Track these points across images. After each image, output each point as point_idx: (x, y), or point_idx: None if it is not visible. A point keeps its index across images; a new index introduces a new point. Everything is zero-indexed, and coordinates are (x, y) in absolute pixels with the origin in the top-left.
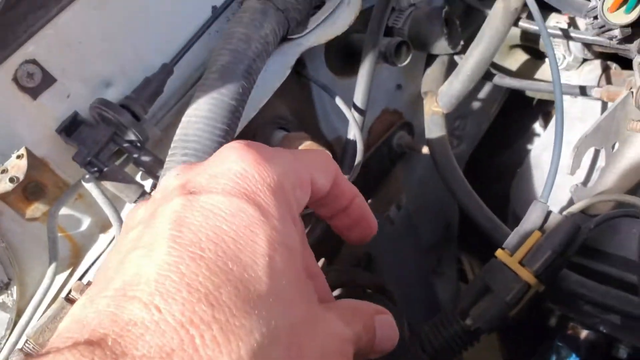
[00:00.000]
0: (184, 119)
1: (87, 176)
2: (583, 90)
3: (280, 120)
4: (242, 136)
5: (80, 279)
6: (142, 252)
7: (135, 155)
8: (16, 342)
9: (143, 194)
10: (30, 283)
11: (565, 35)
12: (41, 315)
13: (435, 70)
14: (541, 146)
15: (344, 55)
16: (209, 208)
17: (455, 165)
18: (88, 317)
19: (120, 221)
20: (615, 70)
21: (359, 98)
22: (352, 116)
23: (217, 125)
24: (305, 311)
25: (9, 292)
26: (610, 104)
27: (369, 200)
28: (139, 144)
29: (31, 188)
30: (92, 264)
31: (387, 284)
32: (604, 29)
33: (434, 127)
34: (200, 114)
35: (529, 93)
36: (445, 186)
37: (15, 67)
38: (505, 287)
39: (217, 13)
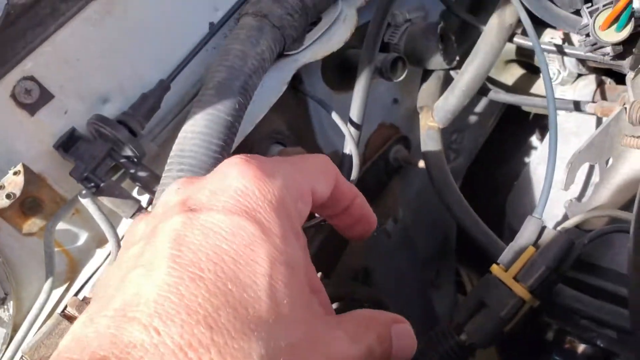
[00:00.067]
0: (180, 134)
1: (83, 192)
2: (577, 106)
3: (276, 135)
4: (239, 150)
5: (77, 294)
6: (142, 271)
7: (132, 171)
8: (12, 358)
9: (139, 209)
10: (26, 298)
11: (560, 51)
12: (37, 331)
13: (431, 85)
14: (537, 160)
15: (340, 70)
16: (209, 227)
17: (450, 180)
18: (88, 337)
19: (117, 236)
20: (610, 85)
21: (354, 113)
22: (348, 131)
23: (213, 141)
24: (307, 331)
25: (6, 307)
26: (604, 119)
27: None
28: (135, 160)
29: (28, 203)
30: (89, 278)
31: (384, 297)
32: (596, 46)
33: (429, 141)
34: (197, 129)
35: (524, 107)
36: (441, 201)
37: (13, 83)
38: (500, 302)
39: (214, 30)
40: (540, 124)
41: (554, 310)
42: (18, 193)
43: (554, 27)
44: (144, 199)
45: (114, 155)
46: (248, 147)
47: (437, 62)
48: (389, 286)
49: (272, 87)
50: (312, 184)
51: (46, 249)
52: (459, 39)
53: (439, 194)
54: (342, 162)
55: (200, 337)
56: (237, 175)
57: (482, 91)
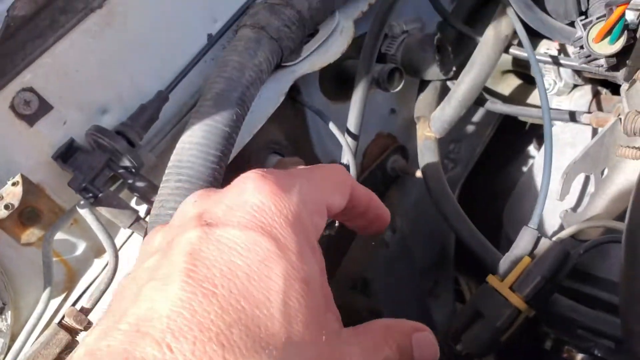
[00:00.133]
0: (178, 145)
1: (82, 202)
2: (573, 116)
3: (274, 145)
4: (237, 160)
5: (74, 304)
6: (156, 285)
7: (130, 181)
8: None
9: (137, 220)
10: (24, 307)
11: (555, 62)
12: (34, 341)
13: (427, 95)
14: (533, 170)
15: (337, 81)
16: (224, 242)
17: (447, 190)
18: (102, 350)
19: (114, 247)
20: (606, 96)
21: (352, 123)
22: (345, 141)
23: (210, 152)
24: (320, 351)
25: (4, 316)
26: (599, 130)
27: None
28: (133, 170)
29: (27, 213)
30: (87, 288)
31: (382, 307)
32: (590, 58)
33: (426, 152)
34: (194, 140)
35: (521, 118)
36: (438, 211)
37: (12, 94)
38: (496, 312)
39: (213, 41)
40: (537, 133)
41: (551, 320)
42: (16, 204)
43: (549, 39)
44: (142, 209)
45: (112, 166)
46: (246, 157)
47: (434, 72)
48: (387, 296)
49: (269, 98)
50: (328, 197)
51: (44, 259)
52: (455, 50)
53: (436, 205)
54: None
55: (212, 355)
56: (253, 190)
57: (479, 101)
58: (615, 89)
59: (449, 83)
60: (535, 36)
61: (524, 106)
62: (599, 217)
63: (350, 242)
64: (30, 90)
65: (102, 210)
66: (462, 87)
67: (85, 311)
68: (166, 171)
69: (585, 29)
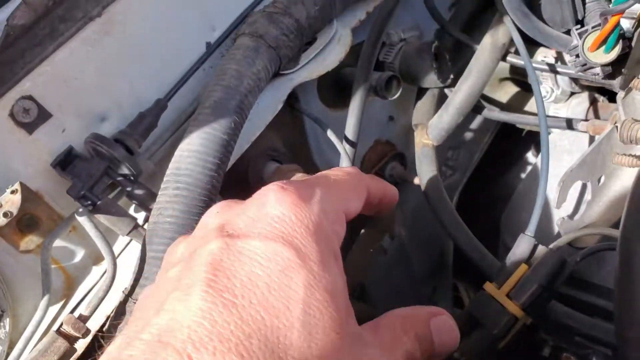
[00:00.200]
0: (176, 152)
1: (80, 209)
2: (570, 124)
3: (272, 153)
4: (236, 168)
5: (72, 311)
6: (178, 295)
7: (129, 189)
8: None
9: (136, 227)
10: (22, 315)
11: (552, 69)
12: (33, 348)
13: (425, 103)
14: (531, 177)
15: (336, 88)
16: (245, 253)
17: (445, 198)
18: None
19: (113, 254)
20: (603, 103)
21: (350, 130)
22: (343, 149)
23: (208, 159)
24: (340, 358)
25: (2, 323)
26: (596, 138)
27: (362, 231)
28: (132, 178)
29: (26, 221)
30: (85, 296)
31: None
32: (586, 66)
33: (424, 159)
34: (193, 148)
35: (518, 125)
36: (436, 218)
37: (12, 102)
38: (493, 319)
39: (211, 49)
40: (536, 139)
41: (549, 327)
42: (15, 212)
43: (546, 46)
44: (141, 216)
45: (111, 174)
46: (244, 164)
47: (431, 80)
48: (385, 302)
49: (268, 106)
50: (347, 204)
51: (43, 266)
52: (453, 58)
53: (433, 212)
54: None
55: None
56: (274, 202)
57: (476, 109)
58: (612, 96)
59: (446, 91)
60: (532, 44)
61: (522, 114)
62: (596, 225)
63: (349, 248)
64: (30, 98)
65: (101, 218)
66: (460, 95)
67: (84, 319)
68: (165, 179)
69: (580, 38)
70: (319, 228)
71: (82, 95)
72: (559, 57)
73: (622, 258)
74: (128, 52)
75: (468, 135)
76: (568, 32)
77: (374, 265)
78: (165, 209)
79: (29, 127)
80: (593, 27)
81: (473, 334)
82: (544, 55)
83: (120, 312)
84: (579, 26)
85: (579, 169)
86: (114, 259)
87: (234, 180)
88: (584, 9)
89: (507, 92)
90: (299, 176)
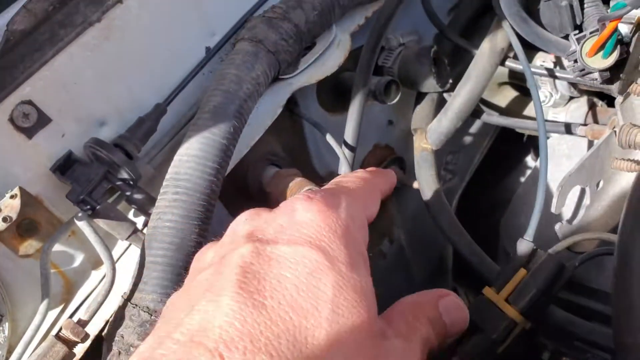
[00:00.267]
0: (175, 157)
1: (80, 214)
2: (568, 129)
3: (272, 157)
4: (235, 172)
5: (72, 316)
6: (210, 297)
7: (128, 193)
8: None
9: (135, 232)
10: (22, 319)
11: (551, 74)
12: (32, 353)
13: (424, 107)
14: (530, 181)
15: (335, 93)
16: (274, 257)
17: (444, 202)
18: (155, 359)
19: (112, 259)
20: (601, 108)
21: (349, 135)
22: (342, 153)
23: (207, 164)
24: (369, 354)
25: (1, 328)
26: (595, 142)
27: None
28: (131, 182)
29: (25, 225)
30: (84, 300)
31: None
32: (584, 71)
33: (423, 163)
34: (192, 152)
35: (517, 129)
36: (434, 223)
37: (11, 107)
38: (492, 324)
39: (211, 54)
40: (535, 143)
41: (548, 331)
42: (14, 216)
43: (545, 51)
44: (140, 221)
45: (110, 178)
46: (244, 168)
47: (430, 85)
48: (384, 307)
49: (267, 110)
50: (369, 210)
51: (42, 271)
52: (451, 62)
53: (432, 216)
54: None
55: None
56: (302, 210)
57: (475, 113)
58: (611, 100)
59: (445, 95)
60: (531, 48)
61: (521, 118)
62: (595, 230)
63: None
64: (29, 103)
65: (100, 222)
66: (459, 100)
67: (83, 323)
68: (164, 183)
69: (578, 43)
70: (347, 232)
71: (81, 100)
72: (558, 62)
73: (619, 264)
74: (127, 57)
75: (467, 139)
76: (566, 37)
77: (373, 269)
78: (165, 213)
79: (29, 132)
80: (591, 33)
81: (472, 338)
82: (543, 60)
83: (119, 317)
84: (577, 31)
85: (578, 174)
86: (113, 263)
87: (233, 185)
88: (582, 14)
89: (506, 96)
90: (297, 181)
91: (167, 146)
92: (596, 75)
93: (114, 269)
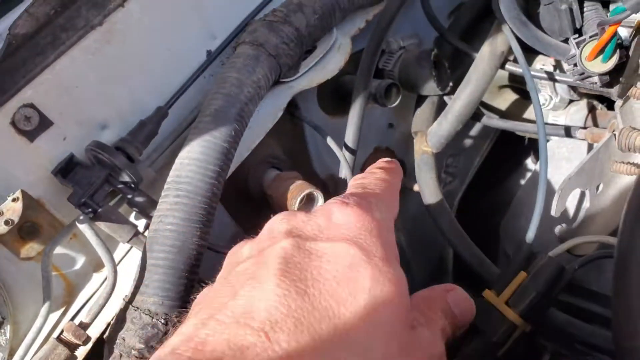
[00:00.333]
0: (177, 160)
1: (81, 217)
2: (568, 132)
3: (272, 160)
4: (236, 175)
5: (73, 318)
6: (253, 284)
7: (130, 196)
8: None
9: (136, 234)
10: (23, 322)
11: (551, 77)
12: (33, 355)
13: (425, 110)
14: (530, 184)
15: (335, 96)
16: (314, 252)
17: (444, 205)
18: (201, 337)
19: (113, 262)
20: (601, 111)
21: (349, 138)
22: (342, 156)
23: (209, 167)
24: (402, 341)
25: (2, 330)
26: (594, 145)
27: None
28: (133, 185)
29: (27, 228)
30: (85, 303)
31: None
32: (584, 75)
33: (424, 166)
34: (193, 156)
35: (517, 132)
36: (435, 225)
37: (13, 111)
38: (492, 327)
39: (212, 58)
40: (535, 146)
41: (548, 334)
42: (16, 219)
43: (545, 54)
44: (141, 223)
45: (112, 181)
46: (245, 171)
47: (430, 88)
48: None
49: (268, 114)
50: (394, 211)
51: (44, 273)
52: (452, 66)
53: (432, 219)
54: (337, 186)
55: (304, 346)
56: (338, 212)
57: (476, 116)
58: (611, 103)
59: (445, 98)
60: (531, 52)
61: (521, 121)
62: (594, 232)
63: None
64: (31, 106)
65: (101, 225)
66: (459, 103)
67: (84, 326)
68: (165, 186)
69: (578, 47)
70: (381, 233)
71: (83, 103)
72: (558, 65)
73: (618, 267)
74: (129, 61)
75: (467, 142)
76: (566, 41)
77: None
78: (166, 216)
79: (30, 135)
80: (591, 37)
81: (472, 341)
82: (543, 63)
83: (120, 320)
84: (576, 35)
85: (578, 177)
86: (114, 266)
87: (235, 188)
88: (582, 18)
89: (506, 99)
90: (298, 183)
91: (168, 149)
92: (596, 79)
93: (115, 272)
